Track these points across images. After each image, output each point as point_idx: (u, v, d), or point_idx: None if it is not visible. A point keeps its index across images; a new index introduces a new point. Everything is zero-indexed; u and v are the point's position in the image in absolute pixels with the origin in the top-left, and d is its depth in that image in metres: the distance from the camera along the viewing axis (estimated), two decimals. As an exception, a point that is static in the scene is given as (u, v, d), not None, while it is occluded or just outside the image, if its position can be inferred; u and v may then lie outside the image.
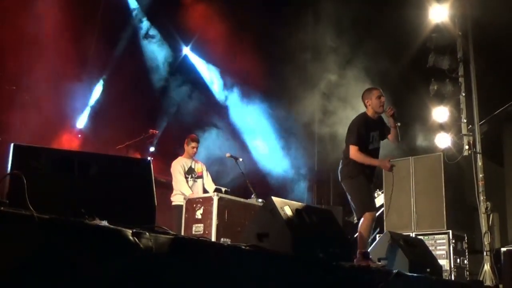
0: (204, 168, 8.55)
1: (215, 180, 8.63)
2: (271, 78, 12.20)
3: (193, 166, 8.42)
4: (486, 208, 9.23)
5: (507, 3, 9.39)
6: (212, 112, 12.36)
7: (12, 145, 3.12)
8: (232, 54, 12.02)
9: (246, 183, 8.55)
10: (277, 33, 11.91)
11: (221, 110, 12.61)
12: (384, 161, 6.42)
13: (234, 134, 12.29)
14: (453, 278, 8.62)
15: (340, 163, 6.55)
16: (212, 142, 11.12)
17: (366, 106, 6.55)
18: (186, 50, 12.78)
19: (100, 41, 10.82)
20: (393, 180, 7.56)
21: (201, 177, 8.44)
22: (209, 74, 12.98)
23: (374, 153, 6.51)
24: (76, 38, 9.96)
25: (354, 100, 10.44)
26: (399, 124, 6.42)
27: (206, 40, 12.24)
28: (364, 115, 6.53)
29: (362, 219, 6.10)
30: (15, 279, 2.26)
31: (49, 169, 3.17)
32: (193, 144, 8.47)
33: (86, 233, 2.57)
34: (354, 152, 6.25)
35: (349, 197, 6.40)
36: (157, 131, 10.58)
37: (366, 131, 6.39)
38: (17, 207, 2.50)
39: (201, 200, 7.49)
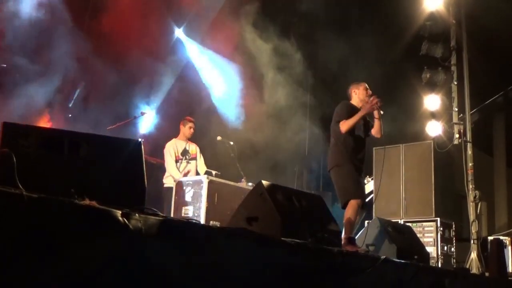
0: (198, 150, 8.56)
1: (206, 163, 8.64)
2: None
3: (187, 148, 8.42)
4: (475, 197, 9.29)
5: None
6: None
7: (2, 123, 3.09)
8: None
9: (237, 166, 8.56)
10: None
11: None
12: (366, 105, 6.45)
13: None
14: (440, 265, 8.70)
15: (329, 152, 6.57)
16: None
17: (351, 96, 6.67)
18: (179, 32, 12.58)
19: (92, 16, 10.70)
20: (382, 166, 7.59)
21: (195, 158, 8.44)
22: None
23: (361, 141, 6.53)
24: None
25: (345, 85, 10.45)
26: (382, 112, 6.48)
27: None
28: (348, 102, 6.62)
29: (347, 206, 6.13)
30: (2, 258, 2.26)
31: (39, 148, 3.14)
32: (190, 124, 8.47)
33: (75, 213, 2.56)
34: (342, 125, 6.30)
35: (335, 185, 6.42)
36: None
37: (351, 115, 6.40)
38: (6, 185, 2.49)
39: (191, 182, 7.50)
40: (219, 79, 12.28)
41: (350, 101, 6.64)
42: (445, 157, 9.90)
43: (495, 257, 7.05)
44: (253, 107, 11.51)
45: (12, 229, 2.30)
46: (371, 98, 6.45)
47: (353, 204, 6.09)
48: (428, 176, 9.52)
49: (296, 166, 13.11)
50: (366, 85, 6.66)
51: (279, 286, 3.59)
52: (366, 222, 7.46)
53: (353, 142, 6.40)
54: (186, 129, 8.45)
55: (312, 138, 12.88)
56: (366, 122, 6.63)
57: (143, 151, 3.53)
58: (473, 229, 9.11)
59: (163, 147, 8.41)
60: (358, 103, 6.57)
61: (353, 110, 6.45)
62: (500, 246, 7.31)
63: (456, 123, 9.91)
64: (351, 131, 6.38)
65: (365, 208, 6.55)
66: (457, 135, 9.78)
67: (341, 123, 6.32)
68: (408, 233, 6.93)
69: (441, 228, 9.11)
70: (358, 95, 6.59)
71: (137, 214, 2.78)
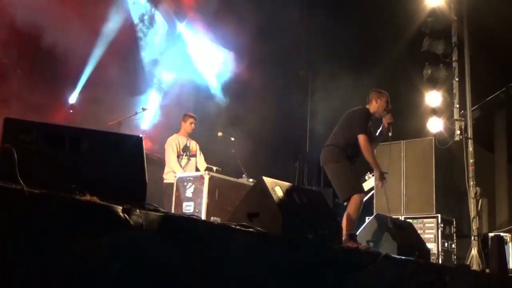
0: (198, 147, 8.56)
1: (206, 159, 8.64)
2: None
3: (188, 144, 8.43)
4: (475, 193, 9.29)
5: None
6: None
7: (3, 118, 3.09)
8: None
9: (237, 162, 8.57)
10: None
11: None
12: (380, 173, 6.47)
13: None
14: (440, 262, 8.70)
15: (327, 147, 6.54)
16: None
17: (370, 102, 6.63)
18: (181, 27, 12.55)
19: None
20: (389, 163, 7.59)
21: (194, 155, 8.45)
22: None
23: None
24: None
25: (347, 83, 10.45)
26: (390, 134, 6.53)
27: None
28: (367, 109, 6.59)
29: (350, 201, 6.12)
30: (3, 254, 2.26)
31: (40, 143, 3.13)
32: (191, 120, 8.48)
33: (76, 208, 2.56)
34: (363, 140, 6.30)
35: (334, 180, 6.41)
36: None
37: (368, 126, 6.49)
38: (7, 181, 2.49)
39: (192, 178, 7.50)
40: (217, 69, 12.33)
41: (368, 106, 6.61)
42: (446, 154, 9.89)
43: (496, 254, 7.04)
44: (253, 102, 11.53)
45: (13, 225, 2.30)
46: (387, 116, 6.52)
47: (356, 199, 6.09)
48: (429, 173, 9.51)
49: (297, 162, 13.10)
50: (388, 97, 6.64)
51: (279, 282, 3.60)
52: (366, 218, 7.46)
53: (355, 149, 6.42)
54: (187, 125, 8.46)
55: (313, 134, 12.87)
56: (374, 130, 6.70)
57: (144, 146, 3.52)
58: (474, 225, 9.11)
59: (164, 142, 8.41)
60: (376, 111, 6.59)
61: (369, 118, 6.51)
62: (501, 242, 7.31)
63: (457, 120, 9.90)
64: (356, 139, 6.39)
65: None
66: (458, 132, 9.77)
67: (362, 137, 6.30)
68: (408, 230, 6.93)
69: (442, 225, 9.11)
70: (378, 104, 6.57)
71: (138, 210, 2.78)
